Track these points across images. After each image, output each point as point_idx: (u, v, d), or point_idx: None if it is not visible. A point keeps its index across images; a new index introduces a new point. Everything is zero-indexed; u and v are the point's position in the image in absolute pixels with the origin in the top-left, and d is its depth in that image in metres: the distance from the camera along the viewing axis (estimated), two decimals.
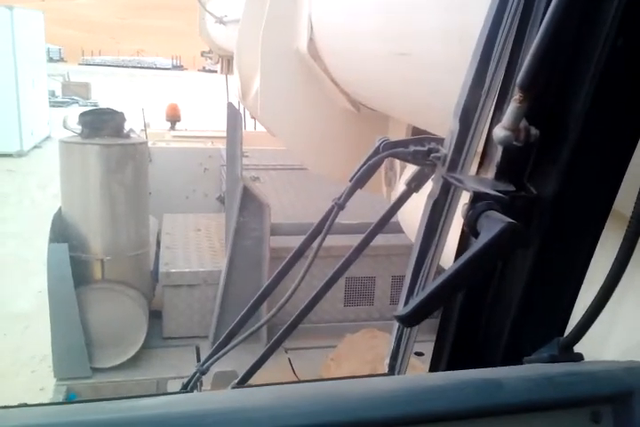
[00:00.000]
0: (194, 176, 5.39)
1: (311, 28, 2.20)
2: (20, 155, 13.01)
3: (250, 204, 3.53)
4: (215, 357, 1.12)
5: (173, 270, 3.68)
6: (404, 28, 1.38)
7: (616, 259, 0.67)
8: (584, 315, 0.70)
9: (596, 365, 0.68)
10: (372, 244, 3.63)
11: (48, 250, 3.26)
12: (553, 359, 0.70)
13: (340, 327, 3.62)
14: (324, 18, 2.12)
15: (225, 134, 4.53)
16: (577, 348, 0.73)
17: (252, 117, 5.28)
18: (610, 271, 0.67)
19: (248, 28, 2.84)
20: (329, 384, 0.61)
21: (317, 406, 0.56)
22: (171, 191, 5.16)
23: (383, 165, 2.31)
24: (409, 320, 0.67)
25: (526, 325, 0.75)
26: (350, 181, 0.98)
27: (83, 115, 3.57)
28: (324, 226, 1.03)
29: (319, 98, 2.47)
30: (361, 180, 0.97)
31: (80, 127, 3.54)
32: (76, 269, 3.29)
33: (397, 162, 2.14)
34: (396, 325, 0.87)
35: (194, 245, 4.14)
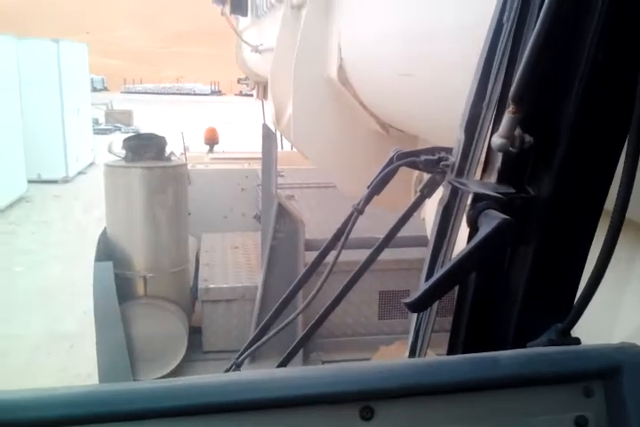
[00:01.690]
0: (231, 196, 5.52)
1: (340, 56, 2.31)
2: (65, 181, 13.45)
3: (284, 221, 3.64)
4: (250, 349, 1.21)
5: (212, 286, 3.80)
6: (418, 54, 1.50)
7: (601, 251, 0.73)
8: (576, 303, 0.76)
9: (588, 346, 0.74)
10: (405, 257, 3.68)
11: (94, 268, 3.43)
12: (551, 343, 0.76)
13: (375, 340, 3.67)
14: (351, 47, 2.24)
15: (260, 155, 4.67)
16: (585, 340, 0.80)
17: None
18: (596, 262, 0.74)
19: (281, 56, 2.98)
20: (347, 364, 0.69)
21: (331, 377, 0.63)
22: (209, 211, 5.30)
23: (413, 185, 2.38)
24: (415, 306, 0.75)
25: (530, 314, 0.81)
26: (368, 188, 1.07)
27: (127, 140, 3.76)
28: (345, 230, 1.13)
29: (349, 121, 2.56)
30: (377, 187, 1.06)
31: (124, 152, 3.74)
32: (120, 285, 3.44)
33: (426, 176, 2.22)
34: (413, 316, 0.96)
35: (231, 263, 4.26)
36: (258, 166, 5.70)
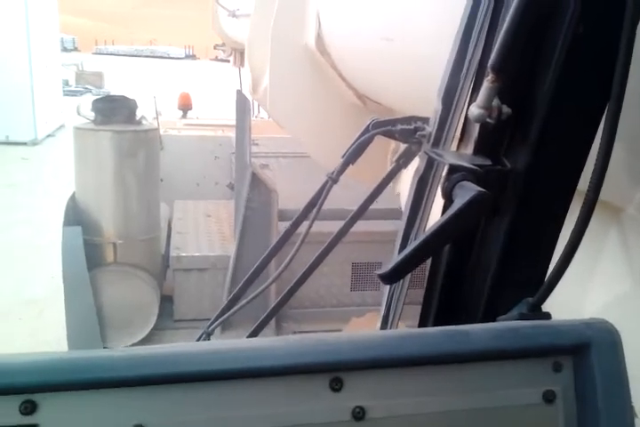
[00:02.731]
0: (205, 164, 5.47)
1: (319, 24, 2.26)
2: (34, 143, 13.16)
3: (258, 190, 3.60)
4: (221, 319, 1.20)
5: (184, 255, 3.77)
6: (397, 20, 1.46)
7: (575, 228, 0.73)
8: (548, 277, 0.76)
9: (559, 321, 0.75)
10: (378, 229, 3.70)
11: (62, 233, 3.36)
12: (522, 318, 0.77)
13: (347, 312, 3.70)
14: (330, 15, 2.19)
15: (234, 123, 4.58)
16: (555, 315, 0.79)
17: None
18: (569, 239, 0.74)
19: (258, 23, 2.91)
20: (317, 335, 0.68)
21: (301, 348, 0.62)
22: (182, 178, 5.24)
23: (389, 158, 2.36)
24: (388, 278, 0.74)
25: (502, 287, 0.82)
26: (342, 157, 1.05)
27: (96, 102, 3.65)
28: (319, 200, 1.10)
29: (327, 92, 2.53)
30: (352, 156, 1.05)
31: (93, 114, 3.63)
32: (90, 252, 3.39)
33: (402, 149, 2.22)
34: (386, 288, 0.95)
35: (204, 231, 4.23)
36: (232, 134, 5.63)
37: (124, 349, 0.63)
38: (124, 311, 3.47)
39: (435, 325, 0.88)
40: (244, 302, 1.21)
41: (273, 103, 2.63)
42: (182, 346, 0.63)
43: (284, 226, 3.64)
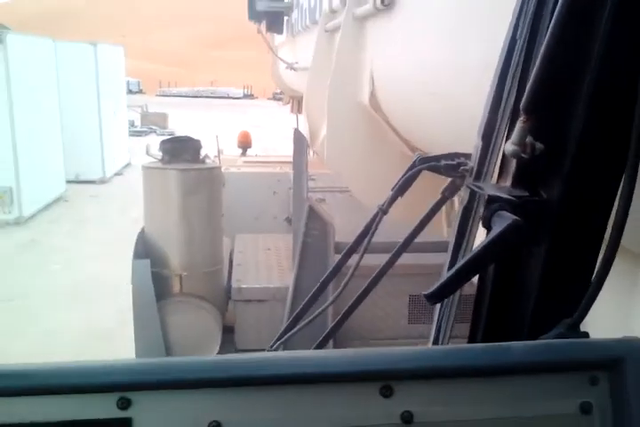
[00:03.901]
0: (263, 199, 5.63)
1: (372, 83, 2.40)
2: (102, 181, 13.78)
3: (315, 223, 3.71)
4: (283, 338, 1.30)
5: (244, 286, 3.90)
6: (440, 75, 1.60)
7: (606, 247, 0.79)
8: (585, 299, 0.81)
9: (594, 339, 0.80)
10: (435, 262, 3.71)
11: (132, 265, 3.55)
12: (560, 336, 0.82)
13: (405, 344, 3.71)
14: (383, 75, 2.33)
15: (291, 160, 4.72)
16: (594, 334, 0.86)
17: None
18: (600, 262, 0.80)
19: (315, 80, 3.10)
20: (372, 348, 0.76)
21: (356, 358, 0.71)
22: (242, 213, 5.41)
23: (444, 208, 2.44)
24: (433, 297, 0.82)
25: (543, 309, 0.87)
26: (392, 190, 1.15)
27: (163, 142, 3.88)
28: (370, 229, 1.20)
29: (381, 145, 2.65)
30: (400, 189, 1.14)
31: (161, 154, 3.87)
32: (157, 283, 3.56)
33: (457, 199, 2.33)
34: (437, 306, 1.03)
35: (263, 263, 4.36)
36: (289, 170, 5.80)
37: (205, 356, 0.75)
38: (189, 340, 3.61)
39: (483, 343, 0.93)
40: (303, 322, 1.32)
41: (330, 155, 2.78)
42: (254, 355, 0.72)
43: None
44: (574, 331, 0.82)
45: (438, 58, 1.68)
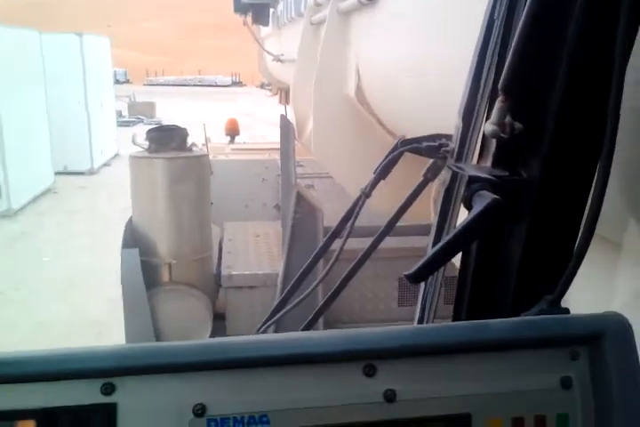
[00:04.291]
0: (252, 186, 5.63)
1: (358, 76, 2.42)
2: (91, 173, 13.72)
3: (303, 209, 3.73)
4: (271, 320, 1.31)
5: (235, 273, 3.91)
6: (422, 57, 1.63)
7: (585, 224, 0.79)
8: (564, 276, 0.82)
9: (574, 314, 0.80)
10: (424, 245, 3.74)
11: (121, 254, 3.56)
12: (541, 313, 0.82)
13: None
14: (368, 68, 2.35)
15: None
16: (575, 310, 0.87)
17: None
18: (581, 236, 0.80)
19: (301, 73, 3.11)
20: (352, 329, 0.77)
21: (339, 338, 0.70)
22: (231, 201, 5.41)
23: (432, 196, 2.46)
24: (414, 277, 0.82)
25: (525, 286, 0.89)
26: (374, 173, 1.16)
27: (149, 131, 3.87)
28: (353, 212, 1.21)
29: (367, 136, 2.67)
30: (382, 171, 1.14)
31: (147, 143, 3.86)
32: (146, 272, 3.57)
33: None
34: (421, 286, 1.04)
35: (253, 250, 4.37)
36: (278, 157, 5.80)
37: (188, 340, 0.75)
38: (179, 328, 3.62)
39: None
40: (292, 304, 1.32)
41: (317, 147, 2.79)
42: (237, 338, 0.72)
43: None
44: (555, 307, 0.83)
45: (421, 49, 1.70)
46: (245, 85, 53.31)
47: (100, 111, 14.70)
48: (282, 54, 4.80)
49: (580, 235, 0.82)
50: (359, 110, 2.56)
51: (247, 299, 3.88)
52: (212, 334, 3.77)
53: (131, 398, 0.66)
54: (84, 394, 0.65)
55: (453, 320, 0.97)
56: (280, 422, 0.68)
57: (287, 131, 3.90)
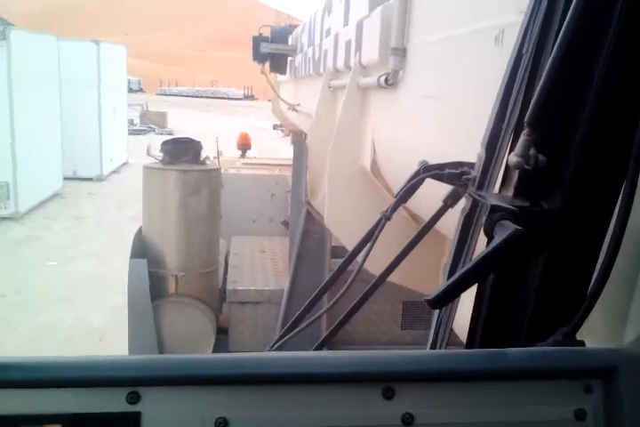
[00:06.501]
0: (261, 201, 5.66)
1: (374, 151, 2.45)
2: (99, 179, 13.77)
3: (312, 228, 3.75)
4: (282, 340, 1.32)
5: (240, 288, 3.92)
6: (437, 146, 1.66)
7: (604, 257, 0.81)
8: (581, 309, 0.84)
9: (589, 347, 0.82)
10: None
11: (129, 264, 3.58)
12: (556, 344, 0.83)
13: (398, 349, 3.73)
14: (384, 145, 2.38)
15: (291, 162, 4.74)
16: (590, 344, 0.88)
17: None
18: (599, 269, 0.82)
19: (317, 135, 3.18)
20: (373, 351, 0.78)
21: (360, 359, 0.73)
22: (239, 215, 5.44)
23: (441, 270, 2.42)
24: (434, 302, 0.83)
25: (541, 317, 0.89)
26: (395, 197, 1.17)
27: (164, 143, 3.92)
28: (372, 235, 1.23)
29: (381, 209, 2.70)
30: (404, 196, 1.16)
31: (161, 155, 3.90)
32: (153, 283, 3.59)
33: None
34: (435, 312, 1.05)
35: (259, 266, 4.39)
36: (288, 173, 5.84)
37: (215, 354, 0.77)
38: (183, 340, 3.63)
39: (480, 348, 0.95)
40: (302, 325, 1.34)
41: (330, 217, 2.81)
42: (262, 354, 0.74)
43: (337, 263, 3.77)
44: (570, 339, 0.84)
45: (438, 139, 1.74)
46: (257, 99, 53.65)
47: (113, 119, 14.79)
48: (298, 104, 4.87)
49: (598, 268, 0.84)
50: (374, 183, 2.59)
51: (251, 314, 3.89)
52: (213, 349, 3.78)
53: (155, 408, 0.67)
54: (110, 402, 0.67)
55: (467, 347, 0.98)
56: None
57: (300, 150, 3.93)
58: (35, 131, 10.82)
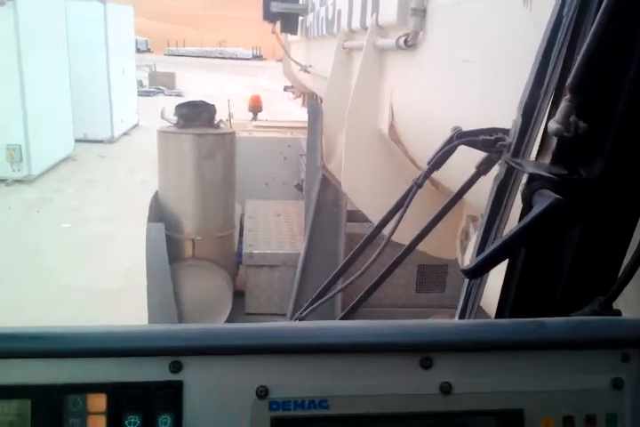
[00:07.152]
0: (274, 164, 5.64)
1: (392, 114, 2.38)
2: (110, 141, 13.75)
3: (328, 192, 3.75)
4: (313, 306, 1.33)
5: (256, 252, 3.96)
6: (465, 111, 1.61)
7: None
8: (619, 277, 0.84)
9: (627, 317, 0.83)
10: None
11: (147, 229, 3.60)
12: (593, 314, 0.84)
13: (412, 313, 3.78)
14: (403, 108, 2.31)
15: (303, 125, 4.70)
16: (626, 313, 0.87)
17: None
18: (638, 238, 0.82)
19: (333, 98, 3.11)
20: (411, 320, 0.79)
21: (398, 329, 0.73)
22: (252, 178, 5.43)
23: (459, 234, 2.41)
24: (472, 273, 0.84)
25: (575, 286, 0.89)
26: (428, 164, 1.16)
27: (179, 107, 3.89)
28: (403, 204, 1.22)
29: (399, 174, 2.62)
30: (436, 164, 1.14)
31: (176, 118, 3.87)
32: (170, 246, 3.62)
33: (472, 230, 2.31)
34: (465, 280, 1.06)
35: (274, 230, 4.41)
36: (300, 135, 5.80)
37: (256, 323, 0.78)
38: (200, 303, 3.69)
39: (511, 317, 0.95)
40: (331, 293, 1.35)
41: (347, 181, 2.77)
42: (302, 323, 0.76)
43: (352, 227, 3.79)
44: (607, 308, 0.84)
45: (462, 103, 1.69)
46: (266, 59, 52.89)
47: (122, 80, 14.66)
48: (309, 65, 4.77)
49: (636, 238, 0.83)
50: (392, 147, 2.53)
51: (267, 278, 3.93)
52: (231, 311, 3.84)
53: (197, 377, 0.69)
54: (153, 371, 0.68)
55: (497, 316, 0.99)
56: (339, 408, 0.70)
57: (316, 114, 3.89)
58: (45, 93, 10.76)
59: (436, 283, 3.89)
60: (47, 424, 0.66)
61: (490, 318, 1.21)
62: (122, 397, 0.67)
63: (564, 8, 0.89)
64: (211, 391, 0.69)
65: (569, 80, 0.80)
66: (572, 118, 0.82)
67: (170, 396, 0.68)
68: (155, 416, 0.67)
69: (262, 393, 0.69)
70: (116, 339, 0.69)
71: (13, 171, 10.15)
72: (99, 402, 0.67)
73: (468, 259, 2.31)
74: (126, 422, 0.67)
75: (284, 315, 3.86)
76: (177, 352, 0.69)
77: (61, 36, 11.83)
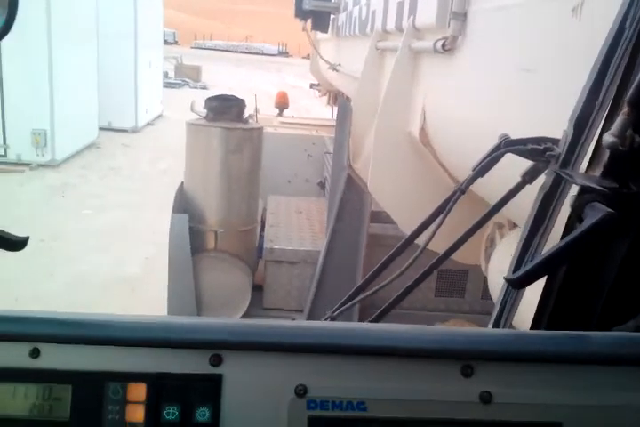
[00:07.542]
0: (297, 161, 5.65)
1: (424, 118, 2.37)
2: (134, 131, 13.85)
3: (352, 191, 3.75)
4: (346, 305, 1.34)
5: (276, 247, 3.98)
6: (502, 122, 1.58)
7: None
8: None
9: None
10: None
11: (171, 219, 3.64)
12: (637, 330, 0.84)
13: (430, 316, 3.77)
14: (435, 112, 2.30)
15: (328, 123, 4.69)
16: None
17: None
18: None
19: (363, 99, 3.11)
20: (452, 327, 0.79)
21: (442, 335, 0.74)
22: (275, 175, 5.44)
23: (484, 241, 2.39)
24: (517, 283, 0.83)
25: (618, 301, 0.89)
26: (473, 170, 1.15)
27: (209, 100, 3.92)
28: (443, 209, 1.22)
29: (428, 178, 2.61)
30: (482, 170, 1.13)
31: (205, 111, 3.91)
32: (193, 238, 3.66)
33: (498, 238, 2.29)
34: (503, 289, 1.05)
35: (296, 226, 4.42)
36: (325, 133, 5.80)
37: (298, 321, 0.79)
38: (220, 295, 3.72)
39: (547, 330, 0.95)
40: (367, 293, 1.36)
41: (373, 182, 2.76)
42: (345, 324, 0.76)
43: (375, 228, 3.79)
44: None
45: (501, 111, 1.68)
46: (292, 56, 52.91)
47: (148, 70, 14.76)
48: (338, 64, 4.77)
49: None
50: (421, 150, 2.51)
51: (286, 273, 3.95)
52: (249, 305, 3.86)
53: (236, 372, 0.69)
54: (193, 363, 0.69)
55: (532, 327, 0.98)
56: (377, 411, 0.70)
57: (345, 112, 3.90)
58: (72, 80, 10.85)
59: (455, 288, 3.87)
60: (86, 410, 0.67)
61: (514, 328, 1.20)
62: (161, 387, 0.68)
63: (626, 20, 0.89)
64: (249, 386, 0.70)
65: (629, 94, 0.80)
66: (629, 132, 0.82)
67: (209, 389, 0.69)
68: (193, 408, 0.68)
69: (301, 392, 0.70)
70: (159, 330, 0.70)
71: (37, 155, 10.26)
72: (138, 391, 0.68)
73: (492, 266, 2.30)
74: (164, 412, 0.67)
75: (301, 311, 3.88)
76: (218, 346, 0.69)
77: (92, 26, 11.93)
